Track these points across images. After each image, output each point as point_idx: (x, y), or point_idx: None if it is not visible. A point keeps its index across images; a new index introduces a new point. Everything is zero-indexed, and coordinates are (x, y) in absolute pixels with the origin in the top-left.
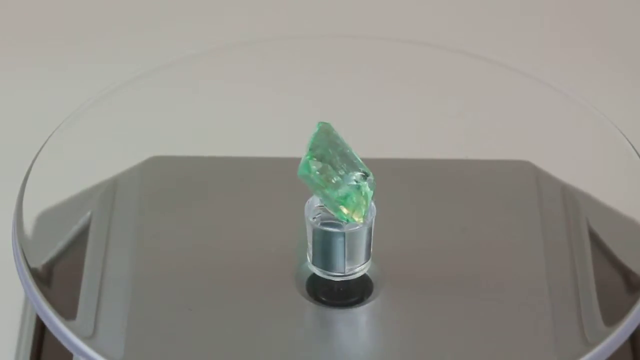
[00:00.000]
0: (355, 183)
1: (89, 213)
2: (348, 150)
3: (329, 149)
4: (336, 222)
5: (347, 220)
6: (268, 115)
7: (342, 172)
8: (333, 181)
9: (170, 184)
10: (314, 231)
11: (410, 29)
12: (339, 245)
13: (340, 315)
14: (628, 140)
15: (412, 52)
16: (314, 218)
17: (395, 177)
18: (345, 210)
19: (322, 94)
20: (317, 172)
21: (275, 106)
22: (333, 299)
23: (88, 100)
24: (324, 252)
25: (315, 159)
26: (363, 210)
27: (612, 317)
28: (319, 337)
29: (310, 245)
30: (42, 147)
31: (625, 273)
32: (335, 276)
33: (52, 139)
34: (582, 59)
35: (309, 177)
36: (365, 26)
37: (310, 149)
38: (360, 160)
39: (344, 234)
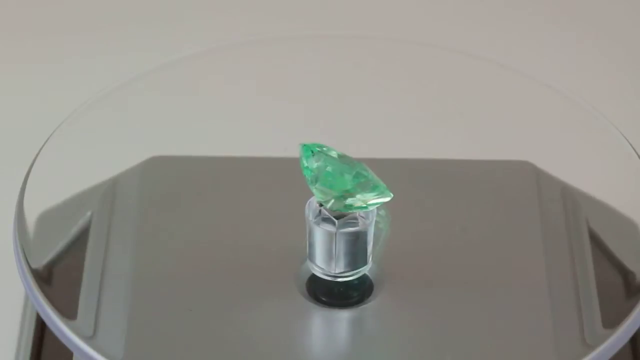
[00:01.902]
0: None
1: (89, 213)
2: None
3: (327, 157)
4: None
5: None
6: (268, 115)
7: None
8: (371, 175)
9: (170, 184)
10: (314, 231)
11: (410, 29)
12: (340, 246)
13: (340, 315)
14: (628, 141)
15: (412, 52)
16: (314, 218)
17: (396, 177)
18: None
19: (322, 94)
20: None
21: (275, 106)
22: (333, 299)
23: (88, 100)
24: (325, 252)
25: (349, 174)
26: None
27: (613, 318)
28: (319, 337)
29: (310, 245)
30: (42, 147)
31: (625, 274)
32: (336, 276)
33: (52, 139)
34: (582, 59)
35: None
36: (365, 26)
37: (314, 174)
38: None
39: (344, 234)
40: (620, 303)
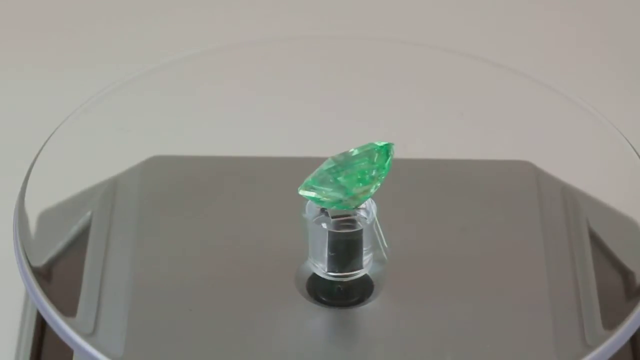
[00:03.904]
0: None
1: (89, 213)
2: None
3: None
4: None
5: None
6: (268, 115)
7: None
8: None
9: (170, 184)
10: (314, 231)
11: (411, 29)
12: (340, 246)
13: (340, 315)
14: (628, 141)
15: (412, 52)
16: (314, 218)
17: (396, 177)
18: None
19: (322, 94)
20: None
21: (275, 106)
22: (333, 299)
23: (88, 100)
24: (325, 252)
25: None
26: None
27: (613, 318)
28: (319, 337)
29: (310, 245)
30: (43, 147)
31: (625, 274)
32: (336, 276)
33: (53, 139)
34: (582, 59)
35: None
36: (366, 26)
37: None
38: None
39: (344, 234)
40: (620, 303)
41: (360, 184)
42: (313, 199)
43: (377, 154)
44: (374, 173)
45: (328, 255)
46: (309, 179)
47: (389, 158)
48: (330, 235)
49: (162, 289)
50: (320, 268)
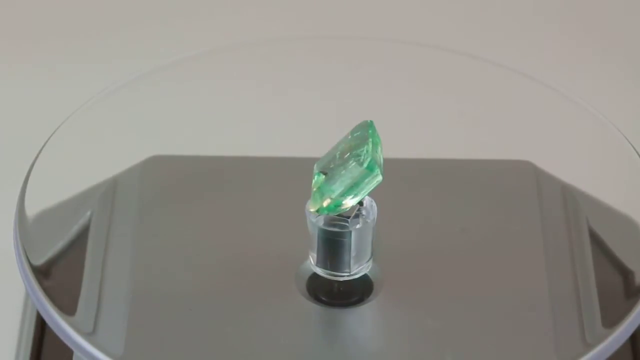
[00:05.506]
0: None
1: (89, 213)
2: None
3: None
4: (338, 222)
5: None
6: (268, 116)
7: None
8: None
9: (170, 184)
10: (317, 231)
11: (411, 29)
12: (341, 245)
13: (340, 315)
14: (628, 140)
15: (412, 52)
16: (315, 218)
17: (396, 177)
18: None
19: (322, 94)
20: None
21: (275, 106)
22: (333, 299)
23: (88, 100)
24: (326, 252)
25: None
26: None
27: (612, 317)
28: (319, 337)
29: (311, 245)
30: (43, 147)
31: (625, 273)
32: (337, 276)
33: (53, 139)
34: (582, 59)
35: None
36: (366, 26)
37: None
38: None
39: (346, 233)
40: (620, 302)
41: (372, 170)
42: (333, 209)
43: (364, 137)
44: (378, 151)
45: (352, 255)
46: (321, 201)
47: (375, 132)
48: (355, 233)
49: (162, 289)
50: (342, 273)
